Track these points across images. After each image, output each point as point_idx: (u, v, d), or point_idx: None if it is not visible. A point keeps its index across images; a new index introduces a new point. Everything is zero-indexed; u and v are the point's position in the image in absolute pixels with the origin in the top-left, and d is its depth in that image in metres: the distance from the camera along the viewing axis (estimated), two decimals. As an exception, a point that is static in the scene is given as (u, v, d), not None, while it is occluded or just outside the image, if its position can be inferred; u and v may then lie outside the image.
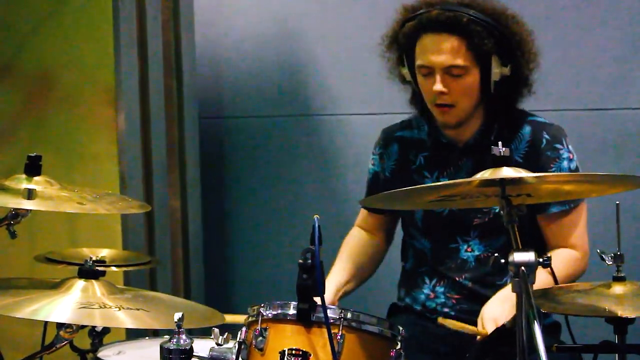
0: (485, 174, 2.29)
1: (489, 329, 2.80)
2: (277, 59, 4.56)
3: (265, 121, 4.60)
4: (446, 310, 3.17)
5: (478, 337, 2.83)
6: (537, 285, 2.71)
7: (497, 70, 3.05)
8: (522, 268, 2.11)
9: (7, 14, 3.94)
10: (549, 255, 2.19)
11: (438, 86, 3.04)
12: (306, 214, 4.30)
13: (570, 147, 3.13)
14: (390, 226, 3.40)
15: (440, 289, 3.18)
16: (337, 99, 4.47)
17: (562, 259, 3.04)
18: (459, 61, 3.03)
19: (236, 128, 4.65)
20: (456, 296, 3.14)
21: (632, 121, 4.15)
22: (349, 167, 4.37)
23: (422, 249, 3.23)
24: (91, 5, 3.86)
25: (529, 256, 2.14)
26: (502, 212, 2.26)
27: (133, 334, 3.33)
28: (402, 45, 3.13)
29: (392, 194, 2.49)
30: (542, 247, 3.09)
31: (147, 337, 3.08)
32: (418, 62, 3.09)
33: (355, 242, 3.38)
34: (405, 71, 3.16)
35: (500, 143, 2.30)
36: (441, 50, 3.03)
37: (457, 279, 3.14)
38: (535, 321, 2.00)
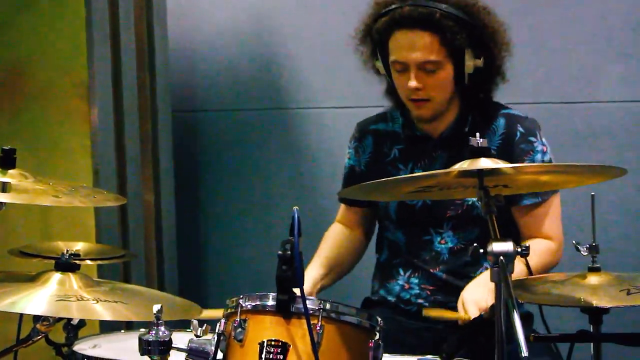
0: (464, 165, 2.30)
1: (472, 312, 2.81)
2: (251, 53, 4.55)
3: (239, 115, 4.59)
4: (420, 301, 3.18)
5: (460, 321, 2.84)
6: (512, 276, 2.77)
7: (470, 63, 3.07)
8: (501, 257, 2.13)
9: (-23, 6, 3.94)
10: (527, 244, 2.20)
11: (413, 83, 3.06)
12: (280, 207, 4.37)
13: (544, 140, 3.16)
14: (369, 220, 3.41)
15: (414, 280, 3.20)
16: (311, 92, 4.47)
17: (536, 249, 3.05)
18: (433, 57, 3.04)
19: (210, 122, 4.64)
20: (430, 287, 3.16)
21: (604, 114, 4.17)
22: (323, 160, 4.37)
23: (396, 241, 3.25)
24: (64, -2, 3.86)
25: (507, 246, 2.16)
26: (480, 202, 2.27)
27: (107, 328, 3.31)
28: (375, 39, 3.14)
29: (371, 185, 2.50)
30: (517, 238, 3.12)
31: (122, 331, 3.08)
32: (392, 57, 3.11)
33: (333, 236, 3.40)
34: (379, 64, 3.17)
35: (477, 134, 2.32)
36: (415, 47, 3.05)
37: (431, 270, 3.16)
38: (514, 310, 2.01)
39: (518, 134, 3.13)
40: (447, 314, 2.87)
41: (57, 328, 2.87)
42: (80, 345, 2.85)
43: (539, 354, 2.92)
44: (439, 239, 3.16)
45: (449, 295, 3.04)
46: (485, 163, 2.28)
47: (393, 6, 3.08)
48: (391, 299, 3.24)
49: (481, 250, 2.19)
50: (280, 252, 2.28)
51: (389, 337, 2.96)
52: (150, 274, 4.24)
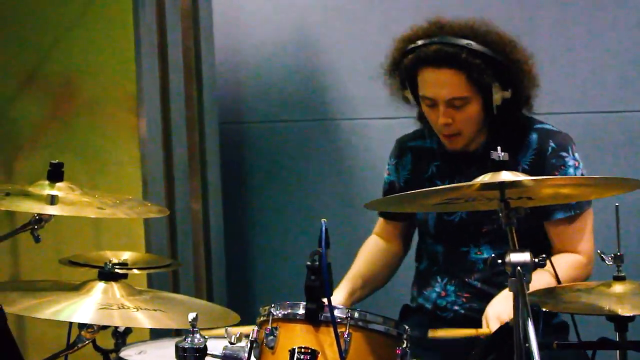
0: (485, 178, 2.36)
1: (493, 327, 2.87)
2: (295, 65, 4.61)
3: (284, 126, 4.65)
4: (456, 308, 3.24)
5: (482, 336, 2.90)
6: (540, 287, 2.83)
7: (498, 96, 3.11)
8: (519, 268, 2.19)
9: (32, 24, 4.03)
10: (543, 255, 2.26)
11: (442, 119, 3.13)
12: (324, 216, 4.40)
13: (576, 155, 3.19)
14: (406, 233, 3.47)
15: (451, 288, 3.26)
16: (354, 103, 4.52)
17: (566, 262, 3.11)
18: (460, 93, 3.10)
19: (255, 133, 4.70)
20: (466, 295, 3.21)
21: (642, 123, 4.19)
22: (366, 170, 4.41)
23: (434, 251, 3.31)
24: (113, 14, 3.95)
25: (524, 256, 2.22)
26: (500, 214, 2.33)
27: (155, 335, 3.40)
28: (404, 74, 3.19)
29: (399, 197, 2.57)
30: (546, 252, 3.15)
31: (168, 338, 3.14)
32: (421, 92, 3.17)
33: (371, 249, 3.47)
34: (408, 94, 3.23)
35: (499, 148, 2.37)
36: (442, 84, 3.10)
37: (466, 279, 3.22)
38: (528, 319, 2.07)
39: (550, 149, 3.16)
40: (454, 332, 2.93)
41: (107, 335, 2.99)
42: (127, 351, 2.93)
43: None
44: (475, 250, 3.22)
45: (484, 303, 3.07)
46: (505, 176, 2.34)
47: (419, 42, 3.13)
48: (428, 306, 3.31)
49: (499, 261, 2.25)
50: (308, 263, 2.36)
51: (425, 342, 3.07)
52: (199, 283, 4.31)
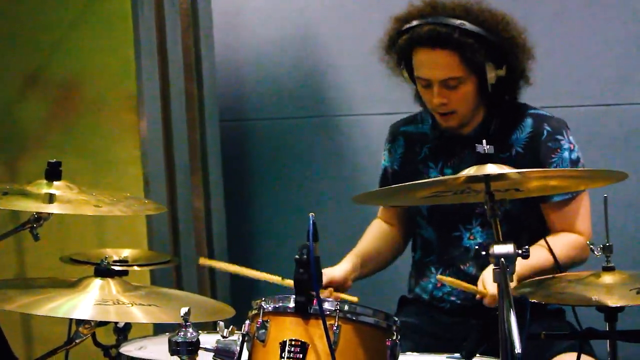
0: (471, 171, 2.39)
1: (490, 288, 2.90)
2: (294, 62, 4.63)
3: (284, 123, 4.68)
4: (452, 298, 3.27)
5: (477, 295, 2.94)
6: (538, 264, 2.90)
7: (492, 75, 3.14)
8: (502, 259, 2.22)
9: (33, 26, 4.08)
10: (526, 247, 2.28)
11: (437, 99, 3.16)
12: (325, 212, 4.46)
13: (571, 138, 3.21)
14: (406, 217, 3.48)
15: None
16: (353, 99, 4.55)
17: (565, 242, 3.13)
18: (454, 73, 3.12)
19: (256, 130, 4.73)
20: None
21: (638, 116, 4.19)
22: (367, 165, 4.41)
23: (428, 238, 3.34)
24: (112, 15, 3.99)
25: (508, 248, 2.24)
26: (485, 206, 2.35)
27: (160, 330, 3.42)
28: (399, 54, 3.22)
29: (385, 191, 2.60)
30: (545, 234, 3.16)
31: (167, 333, 3.20)
32: (416, 73, 3.20)
33: (375, 230, 3.50)
34: (405, 74, 3.26)
35: (484, 141, 2.40)
36: (436, 65, 3.13)
37: (461, 267, 3.24)
38: (511, 309, 2.10)
39: (545, 132, 3.19)
40: (462, 284, 2.94)
41: (108, 331, 3.03)
42: (127, 347, 2.97)
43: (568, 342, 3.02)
44: (468, 235, 3.24)
45: None
46: (491, 169, 2.36)
47: (414, 23, 3.15)
48: (425, 296, 3.34)
49: (483, 253, 2.28)
50: (297, 257, 2.39)
51: (423, 332, 3.09)
52: (202, 279, 4.34)
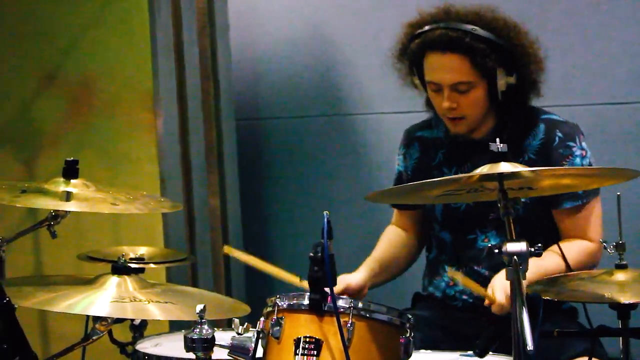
0: (484, 169, 2.41)
1: (498, 296, 2.93)
2: (309, 62, 4.65)
3: (300, 121, 4.70)
4: (465, 297, 3.29)
5: (486, 301, 2.97)
6: (550, 270, 2.90)
7: (502, 82, 3.15)
8: (515, 257, 2.24)
9: (50, 26, 4.12)
10: (539, 245, 2.30)
11: (446, 103, 3.17)
12: (341, 210, 4.48)
13: (583, 144, 3.22)
14: (421, 222, 3.50)
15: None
16: (367, 98, 4.56)
17: (576, 248, 3.15)
18: (465, 78, 3.14)
19: (272, 128, 4.76)
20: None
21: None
22: (381, 163, 4.43)
23: (442, 239, 3.36)
24: (129, 15, 4.03)
25: (520, 246, 2.26)
26: (499, 204, 2.37)
27: (176, 328, 3.42)
28: (411, 59, 3.24)
29: (399, 189, 2.62)
30: (557, 239, 3.19)
31: (183, 330, 3.23)
32: (426, 78, 3.22)
33: (390, 236, 3.52)
34: (416, 80, 3.28)
35: (498, 140, 2.41)
36: (446, 69, 3.15)
37: (474, 267, 3.26)
38: (523, 307, 2.12)
39: (557, 138, 3.20)
40: (473, 285, 2.95)
41: (125, 328, 3.06)
42: (143, 344, 2.99)
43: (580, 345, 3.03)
44: (483, 237, 3.26)
45: None
46: (504, 167, 2.38)
47: (426, 28, 3.18)
48: (438, 294, 3.36)
49: (496, 250, 2.30)
50: (311, 254, 2.41)
51: (434, 325, 3.10)
52: (217, 277, 4.36)
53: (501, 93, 3.17)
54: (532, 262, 2.86)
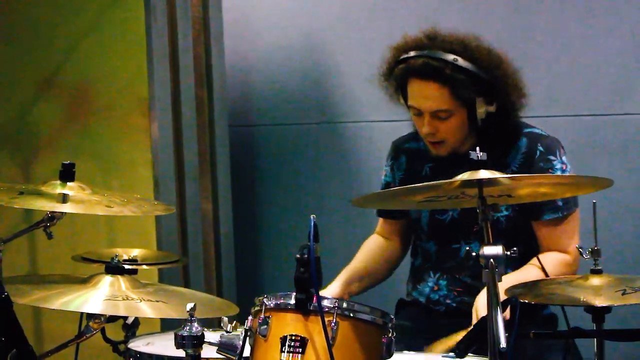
0: (465, 176, 2.49)
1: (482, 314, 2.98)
2: (302, 70, 4.71)
3: (292, 128, 4.76)
4: (448, 301, 3.37)
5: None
6: (528, 280, 2.95)
7: (482, 110, 3.22)
8: (491, 260, 2.32)
9: (48, 32, 4.17)
10: (514, 249, 2.38)
11: (426, 129, 3.25)
12: (331, 216, 4.54)
13: (564, 158, 3.29)
14: (405, 231, 3.58)
15: (443, 282, 3.39)
16: (359, 106, 4.63)
17: (554, 261, 3.23)
18: (444, 106, 3.21)
19: (264, 135, 4.82)
20: (457, 289, 3.33)
21: (636, 126, 4.24)
22: (370, 171, 4.50)
23: (427, 249, 3.44)
24: (126, 22, 4.07)
25: (497, 250, 2.35)
26: (477, 209, 2.46)
27: (167, 327, 3.52)
28: (396, 81, 3.31)
29: (384, 193, 2.69)
30: (536, 251, 3.28)
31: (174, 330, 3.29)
32: (409, 102, 3.29)
33: (371, 245, 3.60)
34: (401, 100, 3.35)
35: (478, 148, 2.50)
36: (427, 96, 3.22)
37: (457, 275, 3.34)
38: (498, 307, 2.20)
39: (538, 152, 3.27)
40: (450, 342, 3.02)
41: (117, 328, 3.12)
42: (135, 342, 3.04)
43: (557, 350, 3.12)
44: (466, 247, 3.30)
45: (474, 297, 3.16)
46: (483, 174, 2.47)
47: (411, 54, 3.23)
48: (422, 299, 3.44)
49: (473, 254, 2.38)
50: (298, 256, 2.47)
51: (418, 333, 3.18)
52: (209, 279, 4.43)
53: (481, 120, 3.23)
54: (514, 275, 2.98)
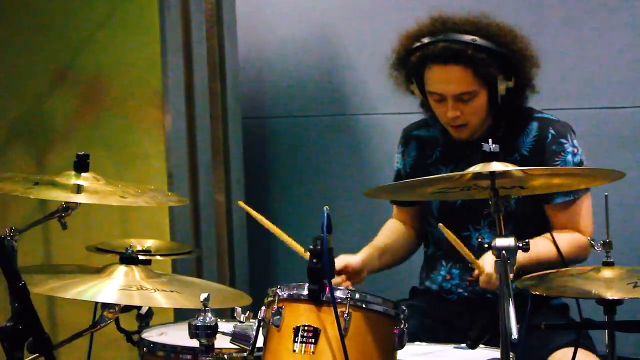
0: (477, 168, 2.51)
1: (487, 268, 3.00)
2: (315, 62, 4.73)
3: (304, 120, 4.78)
4: (460, 290, 3.39)
5: (475, 271, 3.04)
6: (543, 255, 3.02)
7: (502, 87, 3.24)
8: (503, 252, 2.34)
9: (62, 25, 4.21)
10: (526, 240, 2.39)
11: (451, 113, 3.26)
12: (344, 208, 4.56)
13: (575, 142, 3.31)
14: (419, 218, 3.60)
15: (455, 272, 3.41)
16: (371, 99, 4.64)
17: (568, 238, 3.23)
18: (468, 88, 3.22)
19: (277, 127, 4.84)
20: (470, 278, 3.32)
21: (649, 118, 4.25)
22: (384, 163, 4.45)
23: (439, 236, 3.43)
24: (139, 14, 4.11)
25: (509, 241, 2.36)
26: (490, 202, 2.47)
27: (180, 318, 3.54)
28: (410, 69, 3.31)
29: (396, 185, 2.71)
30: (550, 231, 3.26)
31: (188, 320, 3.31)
32: (428, 88, 3.29)
33: (391, 227, 3.62)
34: (414, 87, 3.36)
35: (490, 140, 2.51)
36: (450, 80, 3.22)
37: (469, 264, 3.35)
38: (509, 299, 2.22)
39: (550, 136, 3.29)
40: (463, 247, 2.97)
41: (131, 318, 3.14)
42: (149, 332, 3.07)
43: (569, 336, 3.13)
44: (476, 235, 3.35)
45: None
46: (496, 166, 2.48)
47: (425, 40, 3.25)
48: (435, 288, 3.45)
49: (485, 245, 2.40)
50: (311, 247, 2.49)
51: (429, 315, 3.22)
52: (222, 271, 4.45)
53: (500, 97, 3.25)
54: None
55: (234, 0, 4.57)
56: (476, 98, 3.25)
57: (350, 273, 3.28)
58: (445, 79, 3.24)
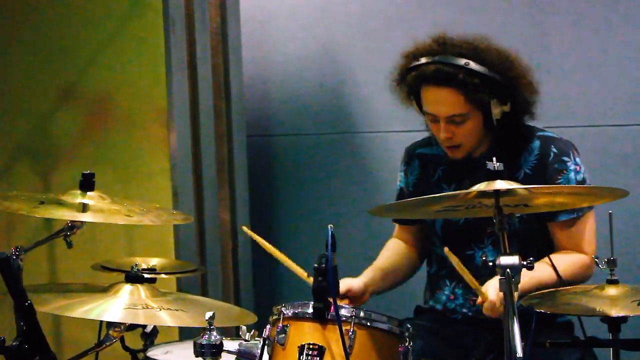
0: (481, 187, 2.51)
1: (491, 295, 2.99)
2: (320, 80, 4.75)
3: (309, 139, 4.80)
4: (464, 310, 3.38)
5: (478, 299, 3.02)
6: (544, 280, 3.01)
7: (497, 111, 3.23)
8: (508, 270, 2.34)
9: (68, 43, 4.19)
10: (531, 259, 2.40)
11: (443, 134, 3.26)
12: (348, 226, 4.57)
13: (578, 159, 3.30)
14: (421, 238, 3.59)
15: (459, 291, 3.41)
16: (376, 117, 4.66)
17: (568, 259, 3.23)
18: (460, 110, 3.22)
19: (281, 145, 4.85)
20: (474, 297, 3.30)
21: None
22: (388, 180, 4.40)
23: (442, 255, 3.42)
24: (145, 33, 4.09)
25: (513, 259, 2.37)
26: (494, 220, 2.48)
27: (185, 336, 3.53)
28: (409, 88, 3.33)
29: (400, 204, 2.72)
30: (551, 251, 3.26)
31: (193, 339, 3.32)
32: (424, 108, 3.30)
33: (392, 247, 3.62)
34: (414, 106, 3.37)
35: (494, 159, 2.52)
36: (442, 102, 3.23)
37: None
38: (514, 317, 2.22)
39: (552, 154, 3.28)
40: (467, 274, 2.96)
41: (136, 336, 3.15)
42: (154, 351, 3.08)
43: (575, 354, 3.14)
44: (480, 253, 3.35)
45: None
46: (500, 184, 2.49)
47: (422, 60, 3.25)
48: (439, 307, 3.45)
49: (490, 264, 2.41)
50: (315, 265, 2.50)
51: (434, 334, 3.23)
52: (227, 288, 4.46)
53: (496, 120, 3.25)
54: (526, 272, 2.98)
55: (238, 18, 4.59)
56: (469, 120, 3.25)
57: (353, 297, 3.29)
58: (438, 100, 3.25)
